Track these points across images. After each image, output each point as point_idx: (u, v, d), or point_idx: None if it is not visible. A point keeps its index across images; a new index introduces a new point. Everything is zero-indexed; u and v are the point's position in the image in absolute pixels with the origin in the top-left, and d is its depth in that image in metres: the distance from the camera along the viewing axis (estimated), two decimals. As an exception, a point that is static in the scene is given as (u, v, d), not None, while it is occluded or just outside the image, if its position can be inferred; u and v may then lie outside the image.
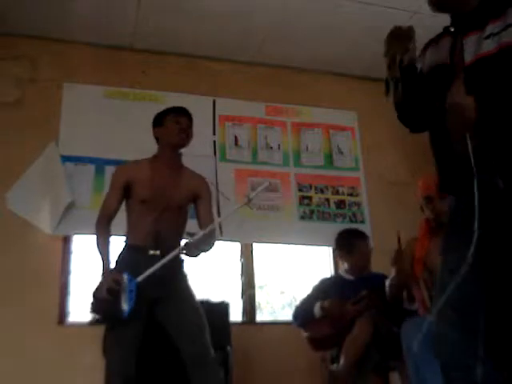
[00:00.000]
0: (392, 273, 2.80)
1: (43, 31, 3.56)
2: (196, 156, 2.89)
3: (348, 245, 3.14)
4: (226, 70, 3.95)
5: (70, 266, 3.33)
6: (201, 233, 2.27)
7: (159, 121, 2.58)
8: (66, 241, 3.35)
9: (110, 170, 3.47)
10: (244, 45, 3.83)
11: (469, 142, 1.41)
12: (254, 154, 3.83)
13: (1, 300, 3.05)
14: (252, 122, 3.91)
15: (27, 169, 3.29)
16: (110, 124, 3.57)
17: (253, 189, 3.71)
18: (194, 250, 2.30)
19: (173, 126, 2.51)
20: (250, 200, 2.31)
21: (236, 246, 3.71)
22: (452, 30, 1.62)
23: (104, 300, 2.21)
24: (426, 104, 1.64)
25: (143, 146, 3.47)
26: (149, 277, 2.24)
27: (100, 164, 3.47)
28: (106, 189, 3.39)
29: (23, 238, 3.19)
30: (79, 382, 3.02)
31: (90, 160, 3.46)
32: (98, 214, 2.46)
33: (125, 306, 2.17)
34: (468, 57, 1.50)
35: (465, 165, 1.45)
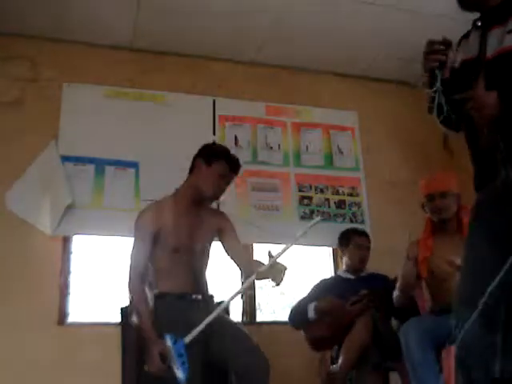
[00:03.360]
0: (399, 279, 2.77)
1: (43, 31, 3.55)
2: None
3: (344, 239, 3.32)
4: (226, 70, 3.94)
5: (70, 266, 3.33)
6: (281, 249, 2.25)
7: (208, 157, 2.40)
8: (66, 241, 3.35)
9: (109, 170, 3.48)
10: (244, 45, 3.82)
11: (489, 137, 1.40)
12: (254, 154, 3.83)
13: (1, 300, 3.05)
14: (252, 122, 3.90)
15: (27, 169, 3.29)
16: (110, 124, 3.56)
17: (253, 189, 3.72)
18: (282, 274, 2.31)
19: (217, 179, 2.37)
20: (296, 239, 2.24)
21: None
22: (479, 24, 1.62)
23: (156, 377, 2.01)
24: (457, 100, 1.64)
25: (143, 145, 3.54)
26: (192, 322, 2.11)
27: (100, 164, 3.46)
28: (106, 189, 3.45)
29: (23, 238, 3.19)
30: (79, 382, 3.02)
31: (90, 160, 3.45)
32: (129, 272, 2.26)
33: (179, 374, 1.97)
34: (490, 50, 1.51)
35: (487, 160, 1.46)
